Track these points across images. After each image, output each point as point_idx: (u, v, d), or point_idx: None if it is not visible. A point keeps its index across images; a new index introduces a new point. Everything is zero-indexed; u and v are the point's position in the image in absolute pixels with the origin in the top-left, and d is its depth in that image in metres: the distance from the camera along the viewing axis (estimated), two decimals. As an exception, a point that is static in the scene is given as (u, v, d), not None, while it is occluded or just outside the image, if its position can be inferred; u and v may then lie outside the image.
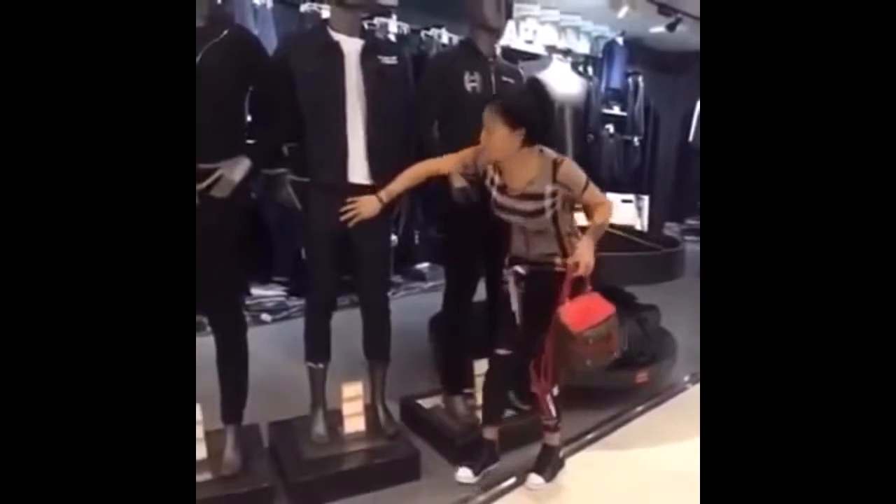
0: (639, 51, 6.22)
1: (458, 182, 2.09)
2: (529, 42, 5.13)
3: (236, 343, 1.88)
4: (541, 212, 1.83)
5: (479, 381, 2.36)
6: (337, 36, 1.92)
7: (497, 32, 2.21)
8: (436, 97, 2.16)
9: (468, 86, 2.14)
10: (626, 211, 2.97)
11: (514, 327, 1.96)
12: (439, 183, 2.25)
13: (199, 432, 1.88)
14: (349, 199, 1.90)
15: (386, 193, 1.91)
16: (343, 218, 1.90)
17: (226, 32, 1.72)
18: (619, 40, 5.90)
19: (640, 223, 2.97)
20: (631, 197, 3.00)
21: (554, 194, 1.81)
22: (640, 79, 6.27)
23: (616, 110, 6.19)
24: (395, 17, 4.20)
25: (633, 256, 2.79)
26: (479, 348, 2.17)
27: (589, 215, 1.94)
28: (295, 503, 1.88)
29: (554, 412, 2.03)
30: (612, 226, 3.02)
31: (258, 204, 3.29)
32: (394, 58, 2.03)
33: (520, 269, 1.94)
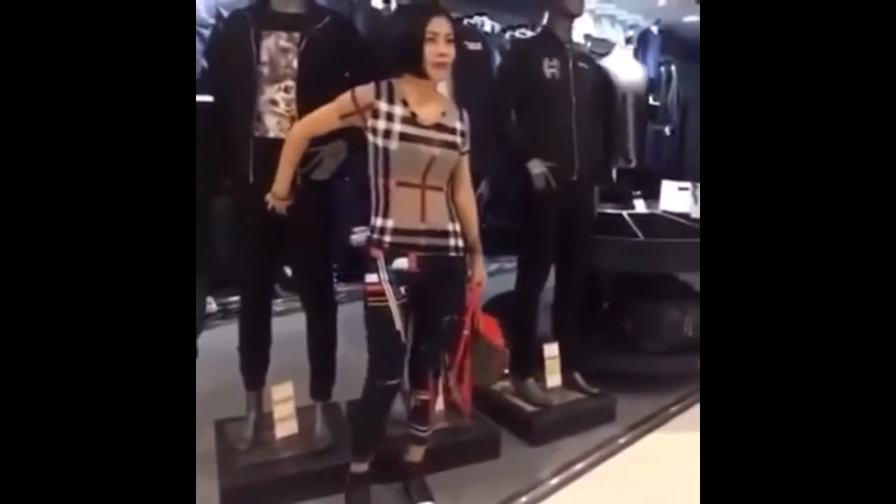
0: (672, 40, 6.20)
1: (538, 168, 2.13)
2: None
3: (328, 322, 1.93)
4: (454, 146, 1.63)
5: (549, 364, 2.42)
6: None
7: (575, 18, 2.24)
8: (515, 83, 2.19)
9: (547, 72, 2.16)
10: (683, 198, 2.99)
11: (402, 350, 1.63)
12: (510, 171, 2.29)
13: (291, 408, 1.94)
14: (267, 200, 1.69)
15: (279, 187, 1.67)
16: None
17: (327, 19, 1.76)
18: (654, 29, 5.88)
19: (696, 211, 2.99)
20: (688, 185, 3.02)
21: (462, 134, 1.65)
22: (673, 68, 6.26)
23: (650, 100, 6.17)
24: (438, 5, 4.20)
25: (687, 243, 2.81)
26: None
27: (454, 194, 1.70)
28: (380, 478, 1.93)
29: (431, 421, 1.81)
30: (667, 213, 3.06)
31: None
32: (478, 44, 2.06)
33: (405, 263, 1.58)
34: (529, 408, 2.28)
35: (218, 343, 2.12)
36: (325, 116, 1.62)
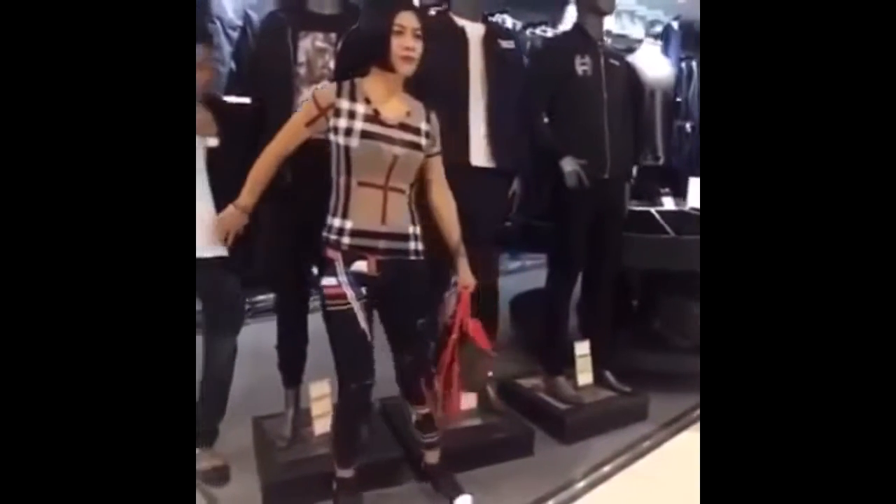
0: (692, 36, 6.14)
1: (570, 165, 2.12)
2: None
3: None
4: (418, 146, 1.59)
5: (581, 362, 2.42)
6: (461, 21, 1.96)
7: (605, 15, 2.23)
8: (548, 80, 2.19)
9: (579, 69, 2.16)
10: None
11: (369, 350, 1.59)
12: (542, 168, 2.29)
13: (328, 405, 1.96)
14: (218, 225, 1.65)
15: (246, 201, 1.62)
16: (218, 239, 1.65)
17: (363, 18, 1.78)
18: (675, 24, 5.83)
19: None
20: (716, 182, 3.00)
21: (428, 135, 1.62)
22: (694, 63, 6.19)
23: (676, 96, 6.11)
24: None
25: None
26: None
27: (425, 196, 1.69)
28: (420, 474, 1.94)
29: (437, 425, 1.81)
30: (695, 209, 3.04)
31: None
32: (511, 42, 2.06)
33: (363, 266, 1.56)
34: (561, 406, 2.28)
35: (248, 341, 2.14)
36: (292, 129, 1.58)
